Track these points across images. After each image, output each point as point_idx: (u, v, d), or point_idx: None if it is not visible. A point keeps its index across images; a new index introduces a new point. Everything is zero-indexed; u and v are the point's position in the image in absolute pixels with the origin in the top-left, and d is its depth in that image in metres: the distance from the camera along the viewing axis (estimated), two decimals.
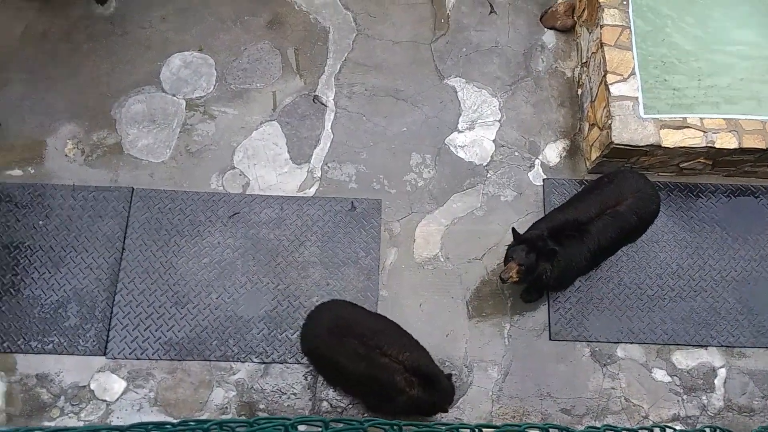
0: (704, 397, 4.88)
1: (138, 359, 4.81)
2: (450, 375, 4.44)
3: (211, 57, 5.82)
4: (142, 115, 5.57)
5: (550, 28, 6.06)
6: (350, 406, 4.75)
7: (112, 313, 4.89)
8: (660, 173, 5.45)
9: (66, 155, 5.40)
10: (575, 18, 5.98)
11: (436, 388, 4.20)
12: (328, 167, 5.49)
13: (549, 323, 5.00)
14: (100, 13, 5.94)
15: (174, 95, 5.67)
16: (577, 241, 4.48)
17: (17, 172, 5.32)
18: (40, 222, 5.11)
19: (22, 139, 5.41)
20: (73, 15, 5.90)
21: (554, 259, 4.39)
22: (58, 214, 5.15)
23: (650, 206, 4.73)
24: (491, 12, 6.11)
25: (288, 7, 6.04)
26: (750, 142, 4.99)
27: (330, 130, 5.62)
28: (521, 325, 5.03)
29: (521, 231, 4.56)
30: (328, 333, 4.39)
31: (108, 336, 4.84)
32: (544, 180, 5.48)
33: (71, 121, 5.51)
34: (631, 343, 4.97)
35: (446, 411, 4.40)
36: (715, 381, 4.92)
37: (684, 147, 4.99)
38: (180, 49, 5.82)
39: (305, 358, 4.77)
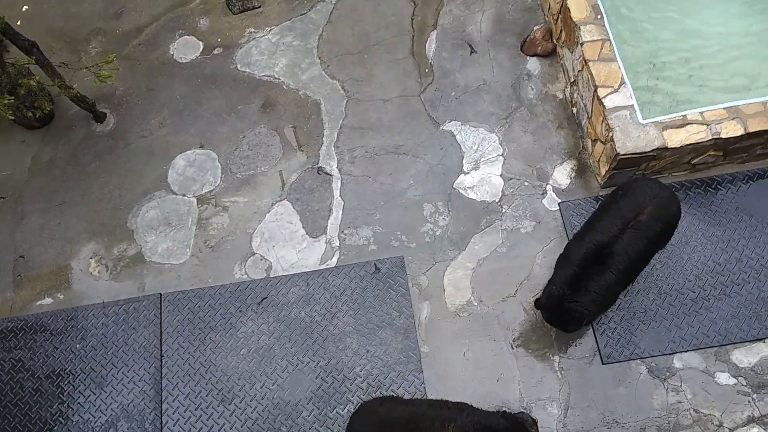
0: None
1: None
2: (504, 411, 4.30)
3: (212, 151, 5.97)
4: (157, 221, 5.68)
5: (532, 56, 6.16)
6: None
7: (162, 423, 4.87)
8: (673, 174, 5.42)
9: (91, 274, 5.50)
10: (554, 41, 6.09)
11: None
12: (345, 234, 5.52)
13: (598, 347, 4.89)
14: (101, 130, 6.15)
15: (184, 195, 5.80)
16: (603, 268, 4.44)
17: (47, 300, 5.42)
18: (77, 345, 5.17)
19: (46, 268, 5.54)
20: (75, 138, 6.12)
21: (584, 316, 4.49)
22: (93, 333, 5.21)
23: (671, 209, 4.68)
24: (472, 52, 6.24)
25: (277, 88, 6.22)
26: (755, 126, 4.95)
27: (340, 198, 5.68)
28: (571, 355, 4.92)
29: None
30: None
31: None
32: (559, 204, 5.46)
33: (90, 240, 5.64)
34: (686, 351, 4.83)
35: None
36: None
37: (691, 144, 4.96)
38: (182, 149, 5.99)
39: None
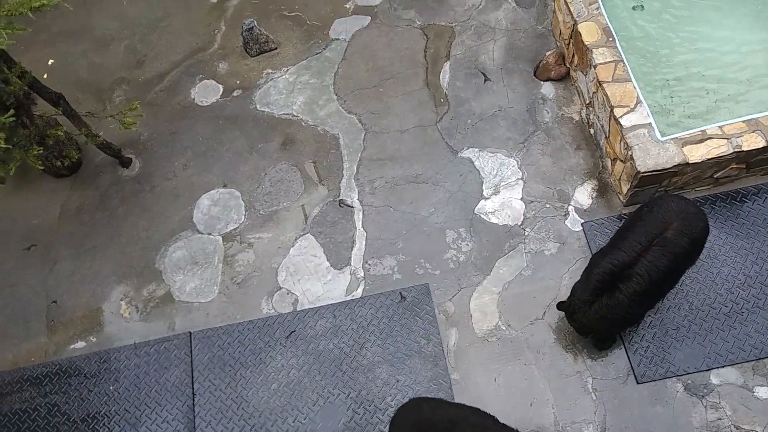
0: None
1: None
2: None
3: (236, 189, 6.09)
4: (184, 261, 5.77)
5: (546, 80, 6.24)
6: None
7: None
8: (696, 189, 5.40)
9: (122, 316, 5.58)
10: (567, 65, 6.17)
11: None
12: (369, 265, 5.55)
13: (632, 366, 4.81)
14: (127, 175, 6.31)
15: (210, 234, 5.90)
16: (616, 292, 4.40)
17: (80, 344, 5.50)
18: (111, 387, 5.21)
19: (79, 311, 5.64)
20: (102, 184, 6.29)
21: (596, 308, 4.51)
22: (126, 375, 5.25)
23: (698, 224, 4.59)
24: (486, 80, 6.34)
25: (296, 125, 6.36)
26: None
27: (362, 229, 5.73)
28: (604, 375, 4.84)
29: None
30: None
31: None
32: (582, 224, 5.45)
33: (120, 282, 5.74)
34: (723, 366, 4.74)
35: None
36: None
37: (712, 158, 4.96)
38: (206, 189, 6.12)
39: None
